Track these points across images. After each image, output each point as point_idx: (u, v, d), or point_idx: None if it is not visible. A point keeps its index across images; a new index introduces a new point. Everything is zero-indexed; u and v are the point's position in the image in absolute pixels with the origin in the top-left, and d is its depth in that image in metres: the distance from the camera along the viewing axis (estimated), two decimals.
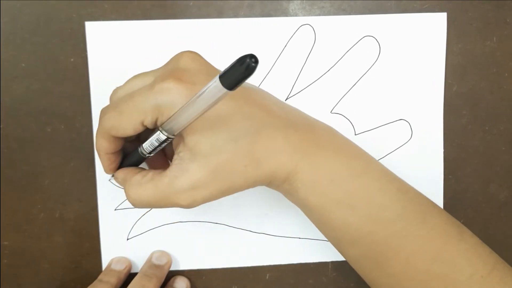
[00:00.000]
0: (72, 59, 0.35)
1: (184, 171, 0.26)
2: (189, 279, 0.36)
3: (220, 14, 0.35)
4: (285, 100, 0.36)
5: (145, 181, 0.27)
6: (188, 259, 0.37)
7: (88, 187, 0.36)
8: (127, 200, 0.36)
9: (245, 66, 0.19)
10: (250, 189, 0.36)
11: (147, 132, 0.27)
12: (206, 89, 0.21)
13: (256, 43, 0.35)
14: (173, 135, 0.25)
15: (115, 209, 0.36)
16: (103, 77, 0.35)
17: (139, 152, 0.28)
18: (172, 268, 0.36)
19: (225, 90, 0.20)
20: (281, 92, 0.35)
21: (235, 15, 0.35)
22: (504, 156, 0.37)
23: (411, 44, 0.36)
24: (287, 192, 0.28)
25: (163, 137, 0.25)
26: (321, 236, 0.37)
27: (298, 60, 0.35)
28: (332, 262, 0.37)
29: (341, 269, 0.37)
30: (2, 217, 0.35)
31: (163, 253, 0.36)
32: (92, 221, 0.36)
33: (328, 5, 0.35)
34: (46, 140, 0.35)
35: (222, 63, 0.35)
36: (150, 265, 0.35)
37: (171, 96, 0.24)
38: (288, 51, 0.35)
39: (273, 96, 0.29)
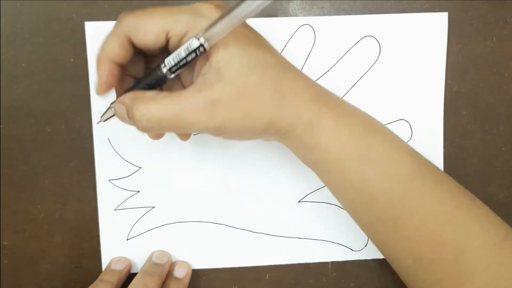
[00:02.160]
0: (72, 59, 0.35)
1: (209, 86, 0.24)
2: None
3: None
4: None
5: (160, 96, 0.25)
6: (188, 259, 0.37)
7: (88, 187, 0.36)
8: (124, 202, 0.36)
9: None
10: (250, 189, 0.36)
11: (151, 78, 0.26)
12: None
13: None
14: (204, 48, 0.23)
15: (115, 209, 0.36)
16: None
17: (159, 70, 0.25)
18: None
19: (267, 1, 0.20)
20: None
21: None
22: (504, 156, 0.37)
23: (411, 44, 0.36)
24: (308, 146, 0.27)
25: (195, 44, 0.23)
26: (321, 236, 0.37)
27: (298, 60, 0.35)
28: (332, 262, 0.37)
29: (341, 269, 0.37)
30: (2, 217, 0.35)
31: (164, 253, 0.36)
32: (92, 221, 0.36)
33: (328, 5, 0.35)
34: (46, 140, 0.35)
35: None
36: (151, 263, 0.35)
37: (211, 13, 0.24)
38: (288, 51, 0.35)
39: None
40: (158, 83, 0.26)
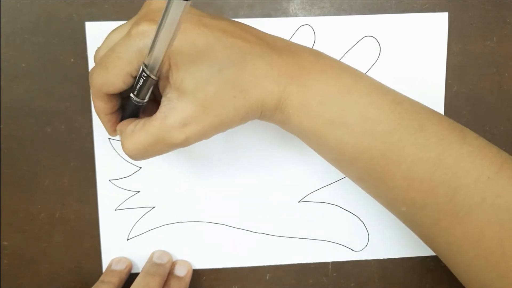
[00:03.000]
0: (72, 59, 0.35)
1: (172, 110, 0.25)
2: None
3: (220, 14, 0.35)
4: None
5: (137, 128, 0.26)
6: (188, 259, 0.37)
7: (88, 187, 0.36)
8: (124, 202, 0.36)
9: None
10: (250, 189, 0.36)
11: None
12: (166, 9, 0.21)
13: None
14: (155, 75, 0.25)
15: (115, 209, 0.36)
16: None
17: (132, 100, 0.27)
18: None
19: (183, 2, 0.20)
20: None
21: (235, 15, 0.35)
22: None
23: (412, 44, 0.36)
24: (281, 122, 0.28)
25: (145, 74, 0.25)
26: (321, 236, 0.37)
27: None
28: (332, 262, 0.37)
29: (341, 269, 0.37)
30: (2, 217, 0.35)
31: (164, 252, 0.36)
32: (92, 221, 0.36)
33: (328, 5, 0.35)
34: (46, 140, 0.35)
35: None
36: (152, 264, 0.35)
37: (149, 38, 0.24)
38: None
39: (252, 27, 0.29)
40: (137, 109, 0.28)
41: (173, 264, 0.36)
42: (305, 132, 0.28)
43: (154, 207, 0.36)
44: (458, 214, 0.26)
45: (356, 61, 0.36)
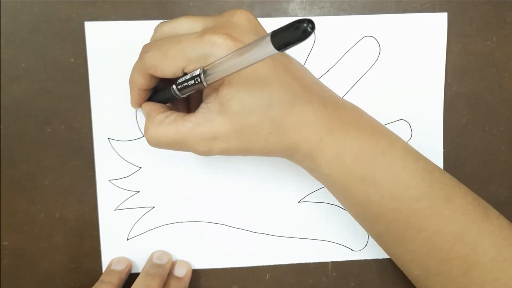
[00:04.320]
0: (72, 59, 0.35)
1: (209, 121, 0.26)
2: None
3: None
4: None
5: (167, 121, 0.27)
6: (188, 259, 0.37)
7: (88, 187, 0.36)
8: (124, 202, 0.36)
9: (302, 30, 0.18)
10: (250, 189, 0.36)
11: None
12: (256, 43, 0.21)
13: None
14: (208, 83, 0.25)
15: (115, 209, 0.36)
16: (103, 77, 0.35)
17: (171, 90, 0.28)
18: None
19: (273, 49, 0.20)
20: None
21: None
22: (504, 156, 0.37)
23: (411, 44, 0.36)
24: (309, 168, 0.29)
25: (196, 73, 0.25)
26: (321, 236, 0.37)
27: (298, 60, 0.35)
28: (332, 262, 0.37)
29: (341, 269, 0.37)
30: (2, 217, 0.35)
31: (164, 253, 0.36)
32: (92, 221, 0.36)
33: (328, 5, 0.35)
34: (46, 140, 0.35)
35: None
36: (152, 264, 0.35)
37: (220, 50, 0.24)
38: (288, 52, 0.35)
39: (308, 70, 0.29)
40: (169, 98, 0.29)
41: (173, 264, 0.36)
42: (333, 184, 0.28)
43: (154, 207, 0.36)
44: None
45: (356, 61, 0.36)
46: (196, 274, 0.37)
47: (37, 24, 0.34)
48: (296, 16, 0.35)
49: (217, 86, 0.26)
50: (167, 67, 0.26)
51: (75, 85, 0.35)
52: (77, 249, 0.36)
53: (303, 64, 0.35)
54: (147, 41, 0.34)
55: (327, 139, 0.27)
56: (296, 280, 0.37)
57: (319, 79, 0.35)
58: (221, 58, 0.23)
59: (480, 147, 0.37)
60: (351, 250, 0.37)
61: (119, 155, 0.35)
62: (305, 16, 0.35)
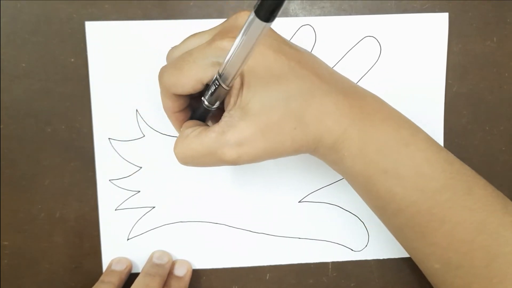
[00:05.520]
0: (72, 59, 0.35)
1: (232, 127, 0.26)
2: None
3: (220, 14, 0.35)
4: None
5: (193, 135, 0.27)
6: (188, 259, 0.37)
7: (88, 187, 0.36)
8: (124, 202, 0.36)
9: None
10: (250, 189, 0.36)
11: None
12: (246, 27, 0.21)
13: None
14: (228, 85, 0.25)
15: (115, 209, 0.36)
16: (103, 77, 0.35)
17: (202, 103, 0.28)
18: None
19: (261, 22, 0.20)
20: None
21: None
22: (504, 156, 0.37)
23: (412, 45, 0.36)
24: (333, 162, 0.28)
25: (219, 82, 0.25)
26: (321, 236, 0.37)
27: None
28: (332, 262, 0.37)
29: (341, 269, 0.37)
30: (2, 217, 0.35)
31: (164, 253, 0.36)
32: (92, 221, 0.36)
33: (329, 5, 0.35)
34: (46, 140, 0.35)
35: None
36: (152, 264, 0.35)
37: (224, 53, 0.24)
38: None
39: (324, 62, 0.29)
40: (206, 113, 0.29)
41: (173, 264, 0.36)
42: (356, 177, 0.28)
43: (154, 207, 0.36)
44: (492, 280, 0.27)
45: (357, 61, 0.36)
46: (196, 274, 0.37)
47: (37, 24, 0.34)
48: (296, 16, 0.35)
49: (236, 93, 0.26)
50: (185, 82, 0.26)
51: (75, 85, 0.35)
52: (77, 249, 0.36)
53: None
54: (147, 41, 0.34)
55: (350, 130, 0.27)
56: (296, 280, 0.37)
57: None
58: (228, 55, 0.23)
59: (480, 147, 0.37)
60: (351, 250, 0.37)
61: (119, 155, 0.35)
62: (305, 16, 0.35)
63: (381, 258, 0.38)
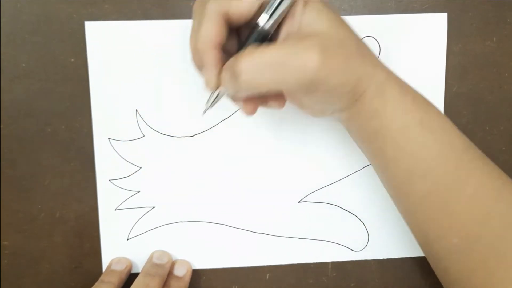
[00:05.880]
0: (72, 59, 0.35)
1: (311, 36, 0.24)
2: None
3: None
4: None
5: (262, 47, 0.24)
6: (188, 259, 0.37)
7: (88, 187, 0.36)
8: (124, 202, 0.36)
9: None
10: (250, 189, 0.36)
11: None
12: None
13: None
14: None
15: (116, 209, 0.36)
16: (103, 77, 0.35)
17: (258, 26, 0.25)
18: None
19: None
20: None
21: None
22: (504, 156, 0.37)
23: (411, 45, 0.36)
24: (374, 112, 0.27)
25: None
26: (321, 236, 0.37)
27: None
28: (332, 262, 0.37)
29: (341, 269, 0.37)
30: (2, 217, 0.35)
31: (164, 253, 0.36)
32: (92, 221, 0.36)
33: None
34: (46, 140, 0.35)
35: None
36: (152, 264, 0.35)
37: None
38: None
39: None
40: (256, 38, 0.26)
41: (173, 264, 0.36)
42: (392, 130, 0.27)
43: (154, 207, 0.36)
44: (506, 253, 0.27)
45: None
46: (196, 274, 0.37)
47: (37, 24, 0.34)
48: None
49: (293, 17, 0.25)
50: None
51: (75, 85, 0.35)
52: (77, 249, 0.36)
53: None
54: (147, 41, 0.34)
55: (392, 76, 0.27)
56: (296, 280, 0.37)
57: None
58: None
59: (480, 147, 0.37)
60: (351, 250, 0.37)
61: (119, 155, 0.35)
62: None
63: (381, 258, 0.38)
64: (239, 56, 0.24)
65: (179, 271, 0.36)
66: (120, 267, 0.35)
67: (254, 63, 0.24)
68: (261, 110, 0.35)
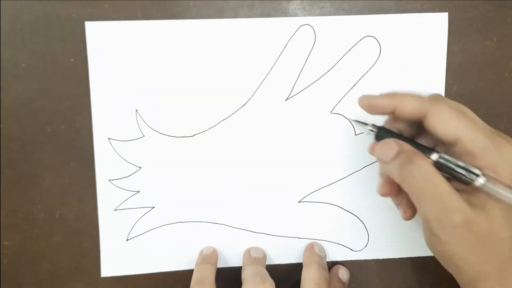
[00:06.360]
0: (72, 59, 0.35)
1: (479, 206, 0.25)
2: (189, 279, 0.36)
3: (220, 14, 0.35)
4: (286, 100, 0.36)
5: (438, 174, 0.25)
6: (188, 259, 0.37)
7: (88, 187, 0.36)
8: (123, 203, 0.36)
9: None
10: (250, 189, 0.36)
11: None
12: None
13: (256, 43, 0.35)
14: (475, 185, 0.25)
15: (115, 210, 0.36)
16: (103, 77, 0.35)
17: (428, 155, 0.27)
18: (173, 269, 0.37)
19: None
20: (281, 92, 0.35)
21: (235, 15, 0.35)
22: None
23: (412, 45, 0.36)
24: None
25: (473, 178, 0.25)
26: (321, 236, 0.37)
27: (298, 60, 0.35)
28: (332, 262, 0.37)
29: None
30: (2, 217, 0.35)
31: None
32: (92, 221, 0.36)
33: (328, 5, 0.35)
34: (46, 140, 0.35)
35: (222, 64, 0.35)
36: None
37: (505, 152, 0.25)
38: (288, 52, 0.35)
39: None
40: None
41: (337, 268, 0.37)
42: None
43: (153, 207, 0.36)
44: None
45: (356, 61, 0.36)
46: None
47: (37, 24, 0.34)
48: (296, 16, 0.35)
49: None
50: (451, 126, 0.26)
51: (75, 85, 0.35)
52: (77, 249, 0.36)
53: (303, 65, 0.35)
54: (147, 41, 0.34)
55: None
56: (296, 280, 0.37)
57: (320, 79, 0.35)
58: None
59: None
60: (351, 250, 0.37)
61: (119, 155, 0.35)
62: (305, 16, 0.35)
63: (381, 258, 0.38)
64: (416, 155, 0.26)
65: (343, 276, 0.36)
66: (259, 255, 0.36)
67: (424, 175, 0.25)
68: (260, 110, 0.35)
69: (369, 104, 0.29)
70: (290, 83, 0.35)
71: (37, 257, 0.36)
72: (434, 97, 0.28)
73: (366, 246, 0.37)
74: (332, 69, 0.35)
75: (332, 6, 0.35)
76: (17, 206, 0.35)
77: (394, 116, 0.29)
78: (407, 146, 0.27)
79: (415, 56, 0.36)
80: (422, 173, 0.25)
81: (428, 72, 0.36)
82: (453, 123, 0.26)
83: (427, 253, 0.37)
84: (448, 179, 0.26)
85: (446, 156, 0.26)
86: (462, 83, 0.37)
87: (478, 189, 0.26)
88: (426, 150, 0.27)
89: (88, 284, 0.36)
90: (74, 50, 0.34)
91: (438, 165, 0.26)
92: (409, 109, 0.27)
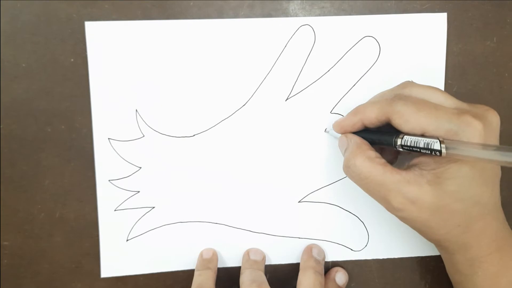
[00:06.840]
0: (72, 59, 0.35)
1: (418, 185, 0.26)
2: (189, 279, 0.36)
3: (220, 14, 0.35)
4: (286, 100, 0.36)
5: (377, 161, 0.28)
6: (188, 259, 0.37)
7: (88, 187, 0.36)
8: (123, 203, 0.36)
9: None
10: (250, 189, 0.36)
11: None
12: (505, 149, 0.23)
13: (256, 43, 0.35)
14: (441, 153, 0.25)
15: (115, 210, 0.36)
16: (103, 77, 0.35)
17: (393, 141, 0.28)
18: (173, 269, 0.37)
19: None
20: (281, 92, 0.35)
21: (235, 15, 0.35)
22: None
23: (411, 45, 0.36)
24: (459, 272, 0.29)
25: (436, 147, 0.25)
26: (321, 236, 0.37)
27: (298, 60, 0.35)
28: (332, 262, 0.37)
29: None
30: (2, 217, 0.35)
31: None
32: (92, 221, 0.36)
33: (328, 5, 0.35)
34: (46, 140, 0.35)
35: (222, 64, 0.35)
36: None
37: (472, 134, 0.25)
38: (288, 52, 0.35)
39: None
40: (379, 143, 0.30)
41: (335, 271, 0.37)
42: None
43: (153, 207, 0.36)
44: None
45: (356, 61, 0.36)
46: None
47: (37, 24, 0.34)
48: (296, 16, 0.35)
49: (439, 160, 0.27)
50: (413, 121, 0.27)
51: (75, 85, 0.35)
52: (77, 249, 0.36)
53: (303, 65, 0.35)
54: (147, 41, 0.34)
55: (494, 255, 0.28)
56: (296, 280, 0.37)
57: (320, 79, 0.35)
58: (472, 142, 0.24)
59: None
60: (351, 250, 0.37)
61: (119, 155, 0.35)
62: (304, 16, 0.35)
63: (381, 258, 0.38)
64: (359, 149, 0.29)
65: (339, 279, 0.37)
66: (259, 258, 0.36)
67: (359, 170, 0.28)
68: (260, 110, 0.35)
69: (340, 127, 0.31)
70: (290, 83, 0.35)
71: (37, 257, 0.36)
72: (396, 97, 0.29)
73: (366, 246, 0.37)
74: (332, 69, 0.35)
75: (332, 6, 0.35)
76: (17, 206, 0.35)
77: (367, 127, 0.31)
78: (353, 141, 0.30)
79: (415, 56, 0.36)
80: (357, 168, 0.28)
81: (428, 72, 0.36)
82: (413, 119, 0.27)
83: (427, 253, 0.37)
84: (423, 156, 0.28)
85: (408, 137, 0.27)
86: (462, 83, 0.37)
87: (446, 165, 0.26)
88: (390, 137, 0.28)
89: (88, 284, 0.36)
90: (74, 50, 0.34)
91: (407, 148, 0.27)
92: (373, 117, 0.29)
